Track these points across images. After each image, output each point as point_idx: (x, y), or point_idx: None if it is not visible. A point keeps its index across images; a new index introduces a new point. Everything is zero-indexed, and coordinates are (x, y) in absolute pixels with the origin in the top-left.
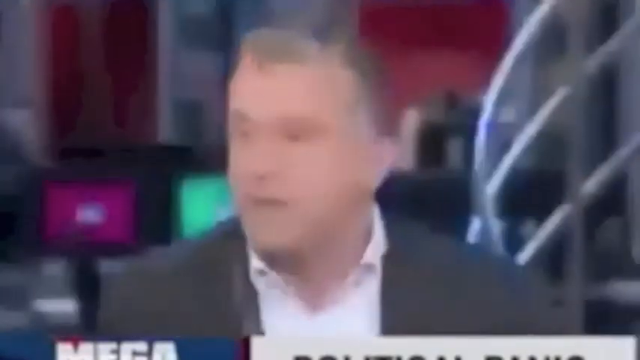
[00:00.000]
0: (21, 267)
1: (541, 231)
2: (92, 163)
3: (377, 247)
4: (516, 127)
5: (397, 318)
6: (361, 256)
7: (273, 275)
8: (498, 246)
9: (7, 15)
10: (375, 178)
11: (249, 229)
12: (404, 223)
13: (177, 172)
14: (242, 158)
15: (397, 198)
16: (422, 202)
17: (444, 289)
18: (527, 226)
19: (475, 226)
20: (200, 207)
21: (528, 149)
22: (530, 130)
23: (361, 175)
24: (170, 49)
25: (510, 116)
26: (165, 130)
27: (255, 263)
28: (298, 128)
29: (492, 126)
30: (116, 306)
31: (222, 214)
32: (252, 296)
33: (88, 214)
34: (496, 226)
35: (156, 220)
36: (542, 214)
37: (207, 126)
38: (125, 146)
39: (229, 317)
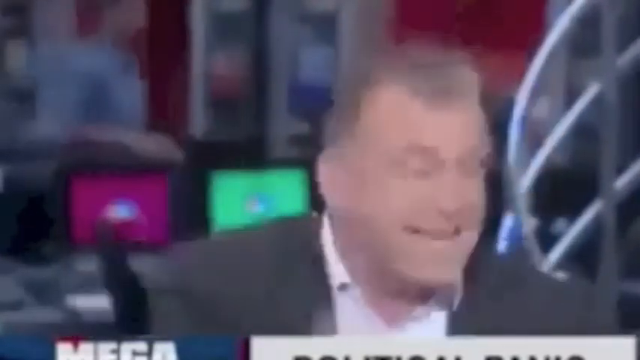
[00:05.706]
0: (54, 263)
1: (574, 228)
2: (123, 159)
3: None
4: (549, 123)
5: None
6: None
7: (357, 290)
8: (531, 243)
9: (41, 12)
10: None
11: (406, 261)
12: None
13: (209, 168)
14: (421, 193)
15: None
16: None
17: (510, 294)
18: (560, 222)
19: (507, 222)
20: (231, 203)
21: (561, 145)
22: (563, 126)
23: None
24: (203, 44)
25: (543, 112)
26: (197, 125)
27: (341, 277)
28: (474, 162)
29: (525, 122)
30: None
31: (252, 209)
32: (326, 301)
33: (119, 210)
34: (529, 223)
35: (187, 216)
36: (574, 210)
37: (239, 122)
38: None
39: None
